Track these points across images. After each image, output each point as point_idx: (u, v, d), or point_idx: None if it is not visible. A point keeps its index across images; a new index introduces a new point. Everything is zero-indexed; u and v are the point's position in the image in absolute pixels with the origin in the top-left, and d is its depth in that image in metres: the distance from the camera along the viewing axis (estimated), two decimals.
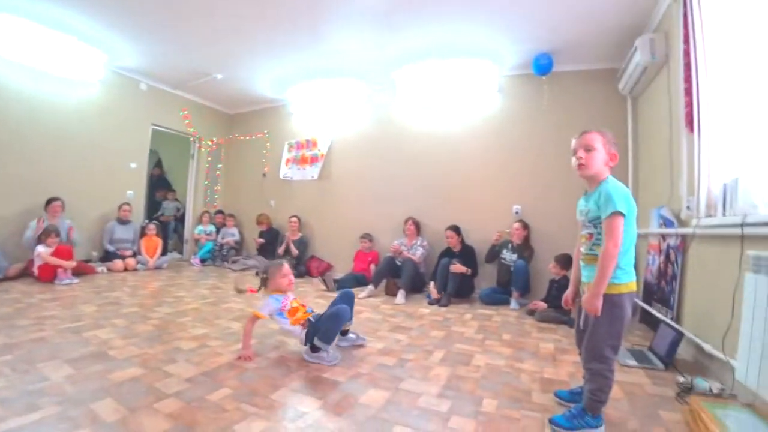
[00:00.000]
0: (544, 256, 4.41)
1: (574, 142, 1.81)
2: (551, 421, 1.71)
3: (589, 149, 1.72)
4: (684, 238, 2.91)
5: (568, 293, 1.97)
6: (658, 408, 1.92)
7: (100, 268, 5.21)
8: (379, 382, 2.12)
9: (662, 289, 3.25)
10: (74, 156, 5.35)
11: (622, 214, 1.58)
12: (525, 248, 4.48)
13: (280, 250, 5.98)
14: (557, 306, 3.70)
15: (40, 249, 4.33)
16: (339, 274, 5.49)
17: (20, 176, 4.81)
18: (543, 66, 4.47)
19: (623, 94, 4.28)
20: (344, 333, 2.70)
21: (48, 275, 4.34)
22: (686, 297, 2.87)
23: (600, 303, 1.60)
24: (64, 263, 4.38)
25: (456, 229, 4.77)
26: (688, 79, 2.66)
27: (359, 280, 5.08)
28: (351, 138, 6.08)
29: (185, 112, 6.72)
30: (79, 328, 2.81)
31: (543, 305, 3.83)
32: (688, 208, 2.76)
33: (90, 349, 2.40)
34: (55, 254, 4.37)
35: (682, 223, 2.94)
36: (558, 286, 3.87)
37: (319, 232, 6.29)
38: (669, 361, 2.50)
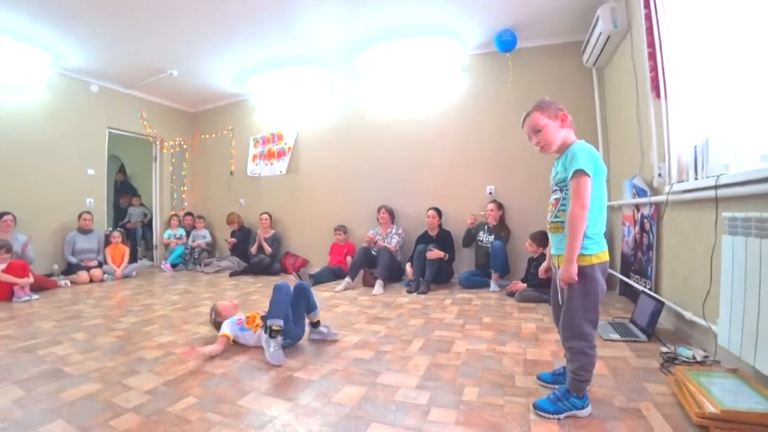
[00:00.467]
0: (521, 235, 4.38)
1: (523, 130, 1.75)
2: (535, 406, 1.62)
3: (537, 129, 1.67)
4: (657, 206, 2.89)
5: (544, 264, 1.89)
6: (643, 381, 1.87)
7: (63, 281, 4.93)
8: (354, 378, 2.01)
9: (639, 260, 3.25)
10: (25, 165, 5.06)
11: (587, 174, 1.50)
12: (501, 228, 4.44)
13: (253, 249, 5.81)
14: (536, 285, 3.68)
15: None
16: (315, 268, 5.36)
17: None
18: (506, 43, 4.39)
19: (588, 66, 4.25)
20: (315, 325, 2.62)
21: (4, 294, 4.06)
22: (663, 266, 2.86)
23: (574, 270, 1.51)
24: (19, 280, 4.10)
25: (438, 210, 4.70)
26: (651, 44, 2.62)
27: (336, 273, 4.97)
28: (317, 129, 5.93)
29: (142, 113, 6.42)
30: (33, 346, 2.62)
31: (522, 285, 3.80)
32: (659, 175, 2.73)
33: (44, 368, 2.22)
34: (8, 270, 4.09)
35: (655, 191, 2.92)
36: (536, 265, 3.82)
37: (291, 228, 6.15)
38: (651, 332, 2.47)
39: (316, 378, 2.02)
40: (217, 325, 2.62)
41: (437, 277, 4.34)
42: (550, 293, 1.81)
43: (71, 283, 4.99)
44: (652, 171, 2.89)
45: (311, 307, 2.60)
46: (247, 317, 2.57)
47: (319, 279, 4.75)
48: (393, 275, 4.63)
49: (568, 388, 1.60)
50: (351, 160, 5.61)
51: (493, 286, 4.18)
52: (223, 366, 2.19)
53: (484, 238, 4.46)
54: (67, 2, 3.78)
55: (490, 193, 4.78)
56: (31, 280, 4.23)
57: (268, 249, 5.73)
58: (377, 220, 5.05)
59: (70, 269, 5.24)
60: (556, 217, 1.65)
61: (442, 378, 1.99)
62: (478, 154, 4.87)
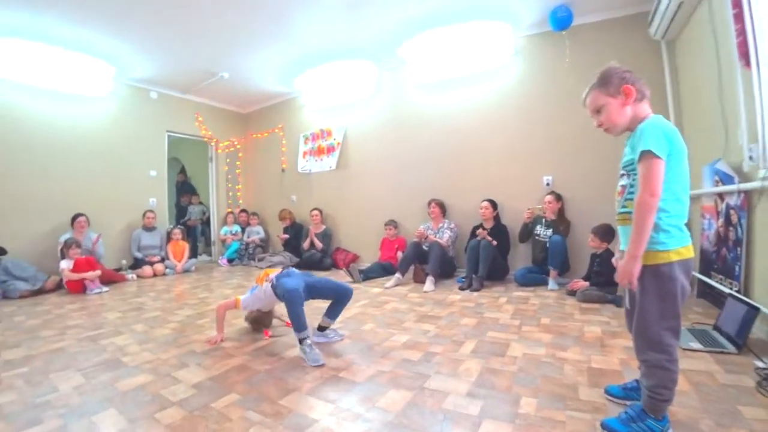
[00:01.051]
0: (583, 229, 4.06)
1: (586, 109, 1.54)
2: (604, 426, 1.41)
3: (599, 110, 1.46)
4: (748, 194, 2.51)
5: (616, 258, 1.67)
6: (736, 402, 1.57)
7: (130, 275, 5.27)
8: (401, 381, 1.89)
9: (723, 257, 2.85)
10: (95, 170, 5.45)
11: (657, 156, 1.27)
12: (560, 222, 4.12)
13: (305, 244, 5.86)
14: (600, 284, 3.39)
15: (63, 265, 4.40)
16: (365, 263, 5.30)
17: (48, 195, 4.98)
18: (562, 20, 4.05)
19: (656, 39, 3.81)
20: (322, 329, 2.56)
21: (77, 287, 4.37)
22: (756, 264, 2.46)
23: (635, 269, 1.30)
24: (87, 275, 4.39)
25: (492, 202, 4.47)
26: (737, 4, 2.26)
27: (386, 269, 4.88)
28: (365, 123, 5.86)
29: (198, 116, 6.70)
30: (98, 336, 2.77)
31: (584, 284, 3.50)
32: (750, 158, 2.37)
33: (104, 357, 2.33)
34: (78, 265, 4.39)
35: (745, 177, 2.53)
36: (600, 261, 3.51)
37: (342, 223, 6.14)
38: (741, 342, 2.10)
39: (360, 380, 1.93)
40: (254, 322, 2.76)
41: (491, 273, 4.13)
42: (625, 295, 1.58)
43: (137, 276, 5.31)
44: (740, 153, 2.51)
45: (333, 314, 2.56)
46: (258, 277, 2.62)
47: (368, 274, 4.68)
48: (445, 271, 4.47)
49: (643, 408, 1.37)
50: (400, 153, 5.49)
51: (551, 284, 3.91)
52: (270, 362, 2.17)
53: (542, 232, 4.18)
54: (132, 18, 4.04)
55: (548, 184, 4.46)
56: (99, 273, 4.51)
57: (319, 244, 5.77)
58: (428, 214, 4.89)
59: (136, 264, 5.58)
60: (623, 207, 1.45)
61: (496, 385, 1.81)
62: (533, 142, 4.56)
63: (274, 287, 2.44)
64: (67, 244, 4.50)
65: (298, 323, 2.22)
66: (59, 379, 2.01)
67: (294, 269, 2.71)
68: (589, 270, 3.66)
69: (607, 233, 3.54)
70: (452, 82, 5.04)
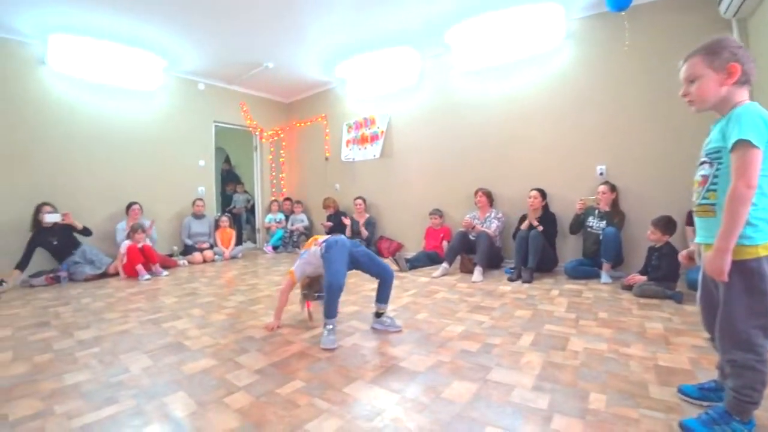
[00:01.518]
0: (637, 221, 3.90)
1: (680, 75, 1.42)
2: (684, 427, 1.33)
3: (692, 79, 1.35)
4: None
5: (688, 252, 1.56)
6: None
7: (182, 261, 5.48)
8: (462, 372, 1.87)
9: None
10: (148, 160, 5.67)
11: (755, 146, 1.17)
12: (614, 214, 3.94)
13: (347, 232, 5.90)
14: (658, 278, 3.23)
15: (122, 249, 4.61)
16: (410, 252, 5.29)
17: (105, 184, 5.24)
18: (620, 0, 3.83)
19: (726, 17, 3.52)
20: (379, 315, 2.55)
21: (131, 272, 4.58)
22: None
23: (725, 263, 1.22)
24: (140, 267, 4.58)
25: (542, 192, 4.33)
26: None
27: (432, 258, 4.86)
28: (410, 111, 5.78)
29: (243, 106, 6.84)
30: (158, 319, 2.88)
31: (641, 278, 3.34)
32: None
33: (167, 340, 2.42)
34: (131, 252, 4.59)
35: None
36: (659, 255, 3.33)
37: (386, 212, 6.13)
38: None
39: (422, 369, 1.91)
40: (307, 287, 2.75)
41: (540, 264, 4.02)
42: (698, 290, 1.48)
43: (188, 262, 5.51)
44: None
45: (382, 298, 2.53)
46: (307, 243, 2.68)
47: (414, 264, 4.67)
48: (492, 262, 4.38)
49: (727, 409, 1.29)
50: (445, 141, 5.39)
51: (604, 277, 3.76)
52: (328, 350, 2.18)
53: (594, 224, 4.01)
54: (184, 10, 4.14)
55: (601, 173, 4.26)
56: (158, 258, 4.73)
57: (364, 233, 5.79)
58: (474, 203, 4.79)
59: (186, 250, 5.80)
60: (704, 198, 1.34)
61: (561, 380, 1.76)
62: (586, 129, 4.35)
63: (322, 255, 2.48)
64: (134, 228, 4.75)
65: (329, 311, 2.31)
66: (129, 360, 2.10)
67: (342, 236, 2.68)
68: (646, 264, 3.48)
69: (668, 226, 3.36)
70: (499, 68, 4.88)
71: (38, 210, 4.43)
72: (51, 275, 4.31)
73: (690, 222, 3.54)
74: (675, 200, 3.71)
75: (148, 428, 1.45)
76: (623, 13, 3.93)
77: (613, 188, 4.01)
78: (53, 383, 1.83)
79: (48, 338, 2.50)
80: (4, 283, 4.08)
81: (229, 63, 5.69)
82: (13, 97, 4.52)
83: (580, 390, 1.66)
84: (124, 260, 4.55)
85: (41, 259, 4.56)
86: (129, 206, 5.17)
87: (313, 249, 2.54)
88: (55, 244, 4.51)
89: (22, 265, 4.25)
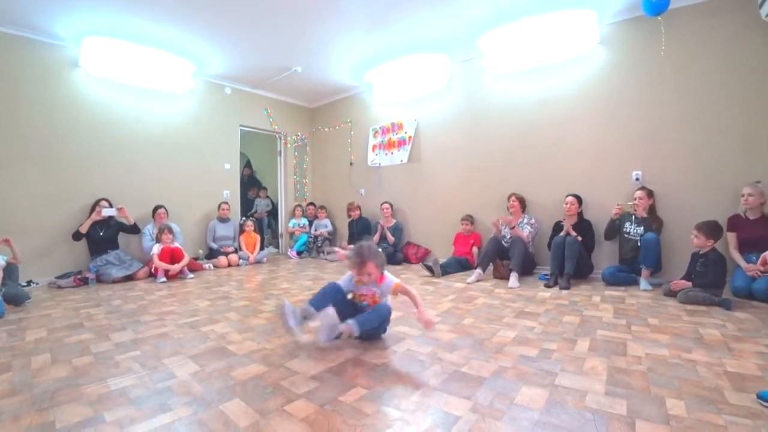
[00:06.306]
0: (675, 227, 3.83)
1: None
2: None
3: None
4: None
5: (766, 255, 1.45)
6: None
7: (207, 264, 5.45)
8: (528, 378, 1.79)
9: None
10: (174, 164, 5.69)
11: None
12: (652, 220, 3.83)
13: (376, 237, 5.83)
14: (704, 285, 3.12)
15: (154, 250, 4.65)
16: (440, 259, 5.18)
17: (132, 187, 5.25)
18: (657, 4, 3.68)
19: (767, 21, 3.43)
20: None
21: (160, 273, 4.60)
22: None
23: None
24: (171, 267, 4.63)
25: (578, 197, 4.24)
26: None
27: (462, 264, 4.78)
28: (438, 116, 5.71)
29: (268, 111, 6.85)
30: (196, 323, 2.83)
31: (686, 284, 3.22)
32: None
33: (209, 344, 2.36)
34: (163, 253, 4.65)
35: None
36: (705, 262, 3.22)
37: (412, 217, 6.05)
38: None
39: (486, 375, 1.83)
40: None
41: (576, 271, 3.92)
42: None
43: (213, 266, 5.48)
44: None
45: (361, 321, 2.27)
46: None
47: (446, 269, 4.57)
48: (526, 268, 4.27)
49: None
50: (476, 146, 5.31)
51: (643, 284, 3.65)
52: (383, 356, 2.10)
53: (632, 230, 3.91)
54: (215, 15, 4.18)
55: (637, 179, 4.14)
56: (177, 267, 4.72)
57: (391, 238, 5.73)
58: (507, 208, 4.70)
59: (211, 254, 5.77)
60: None
61: (632, 385, 1.68)
62: (621, 135, 4.24)
63: None
64: (161, 230, 4.78)
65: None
66: (173, 364, 2.04)
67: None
68: (689, 270, 3.38)
69: (713, 231, 3.24)
70: (532, 71, 4.81)
71: (96, 204, 4.69)
72: (78, 276, 4.32)
73: (732, 228, 3.45)
74: (714, 206, 3.64)
75: None
76: (660, 18, 3.86)
77: (650, 194, 3.91)
78: (98, 388, 1.77)
79: (85, 340, 2.46)
80: (33, 284, 4.22)
81: (257, 67, 5.70)
82: (49, 99, 4.57)
83: (655, 396, 1.59)
84: (157, 262, 4.55)
85: (70, 258, 4.64)
86: (155, 210, 5.18)
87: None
88: (101, 235, 4.67)
89: (76, 236, 4.57)
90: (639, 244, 3.78)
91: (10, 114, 4.31)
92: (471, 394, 1.65)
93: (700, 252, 3.31)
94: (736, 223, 3.46)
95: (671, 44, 3.91)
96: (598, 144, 4.38)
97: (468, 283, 4.04)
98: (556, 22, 4.26)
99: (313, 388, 1.73)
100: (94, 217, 4.58)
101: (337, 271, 5.10)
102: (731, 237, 3.46)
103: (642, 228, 3.83)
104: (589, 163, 4.43)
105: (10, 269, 3.70)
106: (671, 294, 3.28)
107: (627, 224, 3.96)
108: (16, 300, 3.39)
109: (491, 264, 4.36)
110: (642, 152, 4.13)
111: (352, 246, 5.93)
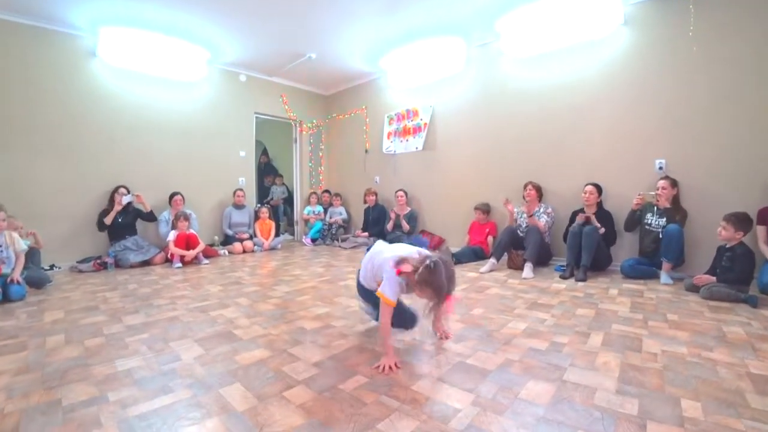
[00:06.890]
0: (700, 219, 3.63)
1: None
2: None
3: None
4: None
5: None
6: None
7: (222, 251, 5.51)
8: (536, 372, 1.73)
9: None
10: (190, 151, 5.73)
11: None
12: (675, 211, 3.65)
13: (389, 225, 5.79)
14: (730, 280, 2.95)
15: (170, 237, 4.73)
16: (454, 247, 5.12)
17: (148, 175, 5.31)
18: None
19: None
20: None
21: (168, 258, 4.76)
22: None
23: None
24: (187, 253, 4.73)
25: (597, 187, 4.09)
26: None
27: (477, 253, 4.69)
28: (454, 102, 5.58)
29: (283, 98, 6.83)
30: (206, 307, 2.86)
31: (710, 279, 3.06)
32: None
33: (217, 329, 2.37)
34: (179, 239, 4.74)
35: None
36: (732, 256, 3.04)
37: (427, 205, 5.97)
38: None
39: (491, 367, 1.78)
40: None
41: (593, 263, 3.78)
42: None
43: (228, 252, 5.54)
44: None
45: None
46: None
47: (460, 258, 4.51)
48: (541, 258, 4.16)
49: None
50: (492, 132, 5.17)
51: (664, 277, 3.50)
52: None
53: (653, 221, 3.74)
54: (227, 1, 4.14)
55: (660, 168, 3.94)
56: (202, 246, 4.82)
57: (406, 226, 5.68)
58: (523, 197, 4.56)
59: (226, 240, 5.84)
60: None
61: (645, 384, 1.60)
62: (643, 121, 4.05)
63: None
64: (177, 216, 4.85)
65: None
66: (179, 347, 2.06)
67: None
68: (714, 264, 3.19)
69: (742, 222, 3.03)
70: (552, 54, 4.62)
71: (115, 191, 4.79)
72: (98, 261, 4.43)
73: (762, 221, 3.25)
74: (743, 198, 3.42)
75: (208, 422, 1.37)
76: None
77: (674, 184, 3.72)
78: (106, 368, 1.80)
79: (98, 322, 2.52)
80: (56, 268, 4.36)
81: (271, 54, 5.66)
82: (68, 89, 4.63)
83: (670, 396, 1.51)
84: (173, 248, 4.65)
85: (90, 243, 4.76)
86: (171, 196, 5.25)
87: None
88: (119, 221, 4.77)
89: (101, 226, 4.72)
90: (660, 236, 3.62)
91: (32, 105, 4.39)
92: (474, 386, 1.60)
93: (727, 245, 3.13)
94: (766, 215, 3.27)
95: (700, 24, 3.68)
96: (620, 131, 4.19)
97: (481, 273, 3.97)
98: (578, 1, 4.07)
99: (314, 374, 1.72)
100: (117, 208, 4.68)
101: (350, 258, 5.09)
102: (761, 230, 3.25)
103: (664, 219, 3.66)
104: (609, 151, 4.26)
105: (33, 253, 3.84)
106: (694, 289, 3.13)
107: (648, 215, 3.80)
108: (38, 283, 3.51)
109: (506, 254, 4.28)
110: (666, 139, 3.93)
111: (365, 234, 5.98)
